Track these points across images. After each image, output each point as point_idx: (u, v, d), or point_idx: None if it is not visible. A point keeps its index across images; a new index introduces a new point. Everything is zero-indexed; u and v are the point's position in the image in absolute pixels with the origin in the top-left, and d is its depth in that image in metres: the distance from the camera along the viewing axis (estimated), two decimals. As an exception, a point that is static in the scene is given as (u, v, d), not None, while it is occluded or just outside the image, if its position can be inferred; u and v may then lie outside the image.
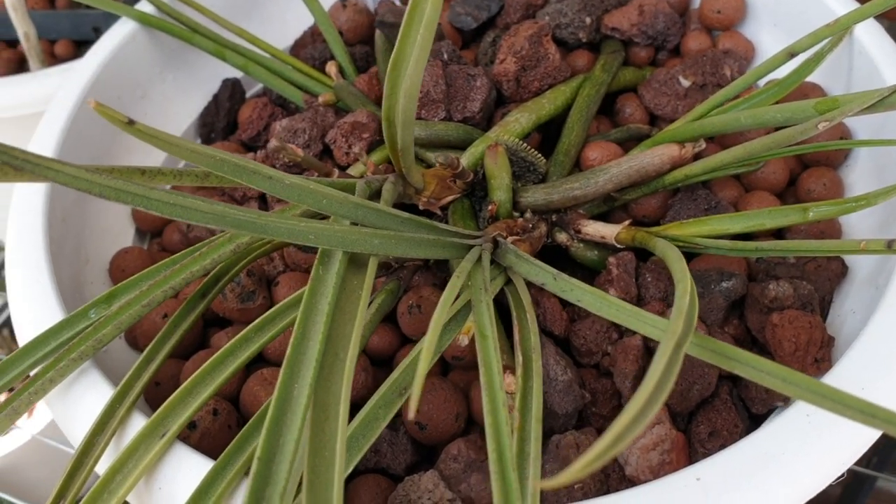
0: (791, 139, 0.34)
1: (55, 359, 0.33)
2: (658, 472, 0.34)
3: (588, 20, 0.49)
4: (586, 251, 0.42)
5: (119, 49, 0.47)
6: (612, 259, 0.41)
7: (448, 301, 0.27)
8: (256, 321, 0.33)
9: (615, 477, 0.35)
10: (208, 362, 0.32)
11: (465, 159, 0.42)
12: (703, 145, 0.41)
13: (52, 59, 0.67)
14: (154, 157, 0.50)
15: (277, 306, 0.34)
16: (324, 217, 0.37)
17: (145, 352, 0.34)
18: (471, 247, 0.36)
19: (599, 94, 0.46)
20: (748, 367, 0.25)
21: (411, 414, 0.20)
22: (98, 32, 0.66)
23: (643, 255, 0.42)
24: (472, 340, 0.32)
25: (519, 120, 0.44)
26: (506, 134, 0.43)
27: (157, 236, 0.48)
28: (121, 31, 0.48)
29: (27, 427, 1.21)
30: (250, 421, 0.31)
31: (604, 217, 0.44)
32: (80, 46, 0.68)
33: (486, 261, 0.34)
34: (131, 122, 0.24)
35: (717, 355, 0.26)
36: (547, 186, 0.42)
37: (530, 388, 0.31)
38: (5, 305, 1.18)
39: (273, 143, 0.37)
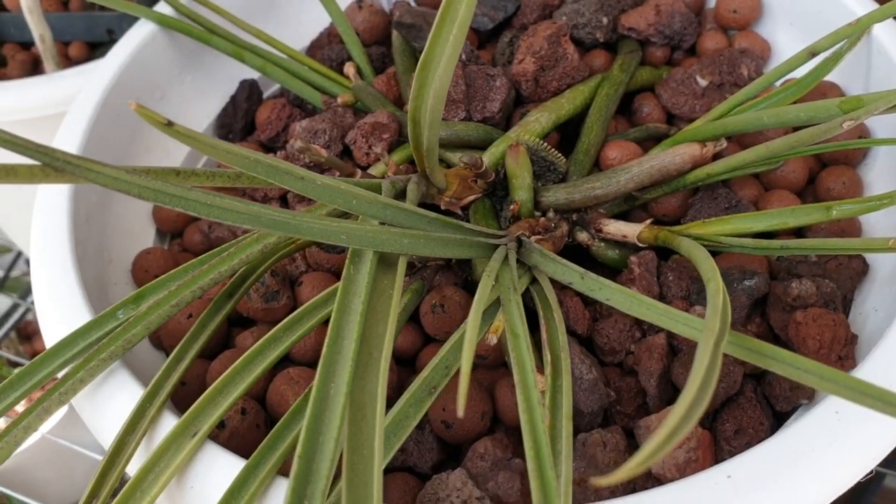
0: (815, 138, 0.34)
1: (85, 359, 0.33)
2: (684, 469, 0.34)
3: (605, 20, 0.49)
4: (607, 250, 0.42)
5: (139, 51, 0.47)
6: (633, 258, 0.41)
7: (482, 300, 0.27)
8: (285, 321, 0.33)
9: (641, 475, 0.36)
10: (238, 362, 0.32)
11: (486, 159, 0.42)
12: (724, 144, 0.41)
13: (67, 61, 0.67)
14: (173, 158, 0.50)
15: (305, 306, 0.34)
16: (348, 216, 0.37)
17: (174, 352, 0.34)
18: (496, 246, 0.36)
19: (618, 94, 0.47)
20: (785, 365, 0.25)
21: (460, 412, 0.20)
22: (112, 34, 0.66)
23: (663, 253, 0.42)
24: (497, 339, 0.33)
25: (539, 120, 0.44)
26: (526, 134, 0.43)
27: (177, 237, 0.48)
28: (140, 33, 0.48)
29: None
30: (281, 419, 0.31)
31: (623, 216, 0.44)
32: (94, 48, 0.68)
33: (513, 260, 0.34)
34: (170, 124, 0.24)
35: (753, 353, 0.26)
36: (568, 186, 0.42)
37: (559, 386, 0.31)
38: (13, 308, 1.18)
39: (298, 143, 0.37)
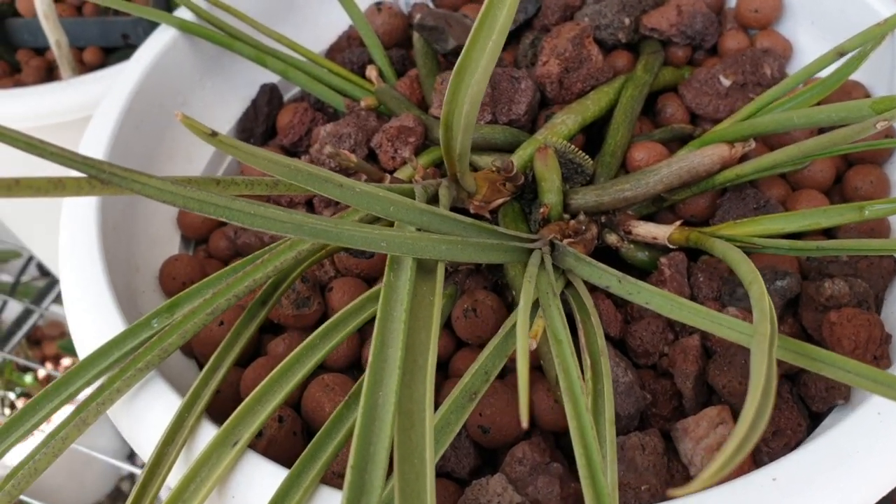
0: (849, 138, 0.34)
1: (121, 369, 0.33)
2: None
3: (627, 21, 0.49)
4: (636, 252, 0.42)
5: (161, 56, 0.47)
6: (663, 260, 0.41)
7: (528, 305, 0.27)
8: (321, 328, 0.33)
9: (679, 477, 0.36)
10: (276, 370, 0.32)
11: (515, 162, 0.42)
12: (753, 145, 0.41)
13: (81, 66, 0.67)
14: (195, 164, 0.50)
15: (340, 313, 0.34)
16: (378, 221, 0.37)
17: (210, 360, 0.34)
18: (530, 250, 0.36)
19: (643, 95, 0.46)
20: (834, 368, 0.25)
21: (524, 422, 0.20)
22: (127, 39, 0.66)
23: (691, 254, 0.42)
24: (537, 344, 0.33)
25: (565, 122, 0.44)
26: (553, 136, 0.43)
27: (202, 243, 0.48)
28: (161, 39, 0.48)
29: (48, 430, 1.22)
30: (322, 428, 0.31)
31: (650, 218, 0.44)
32: (108, 53, 0.68)
33: (549, 264, 0.34)
34: (214, 134, 0.24)
35: (801, 356, 0.26)
36: (597, 188, 0.42)
37: (601, 390, 0.31)
38: (25, 313, 1.18)
39: (328, 148, 0.37)
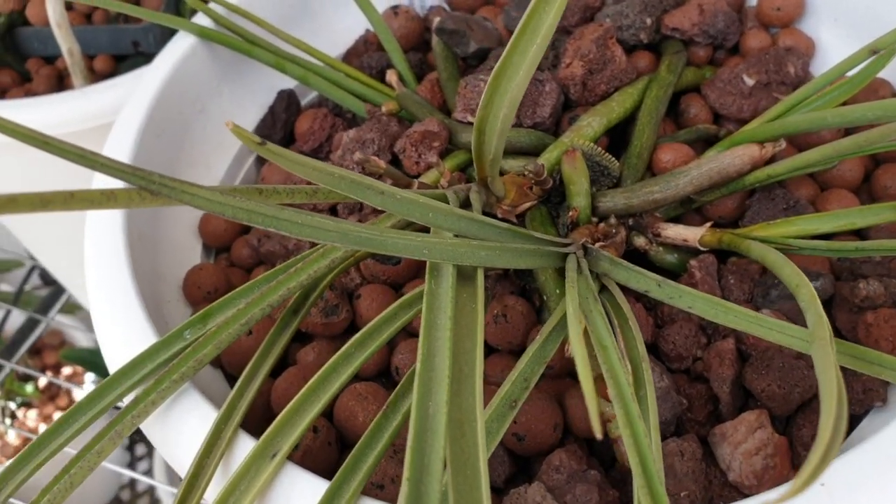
0: (886, 137, 0.34)
1: (156, 381, 0.32)
2: (762, 476, 0.34)
3: (649, 21, 0.49)
4: (665, 255, 0.42)
5: (181, 63, 0.47)
6: (693, 262, 0.40)
7: (577, 311, 0.26)
8: (356, 337, 0.33)
9: (717, 483, 0.35)
10: (313, 379, 0.31)
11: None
12: (783, 145, 0.41)
13: (92, 74, 0.66)
14: (214, 172, 0.50)
15: (375, 321, 0.34)
16: (407, 227, 0.36)
17: (245, 371, 0.34)
18: (565, 255, 0.36)
19: (667, 96, 0.46)
20: (892, 371, 0.24)
21: (598, 434, 0.20)
22: (138, 47, 0.66)
23: (719, 256, 0.41)
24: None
25: (591, 124, 0.43)
26: (579, 138, 0.43)
27: (223, 251, 0.48)
28: (180, 46, 0.47)
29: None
30: (362, 438, 0.30)
31: (677, 220, 0.44)
32: (119, 61, 0.67)
33: (586, 269, 0.34)
34: (263, 143, 0.23)
35: (860, 361, 0.25)
36: (626, 190, 0.41)
37: (643, 397, 0.30)
38: (28, 322, 1.17)
39: (357, 154, 0.36)
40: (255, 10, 0.50)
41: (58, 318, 1.17)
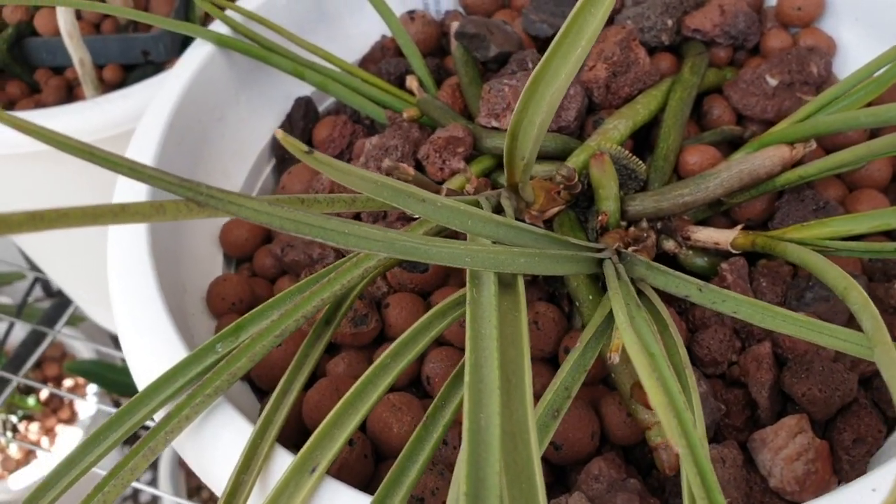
0: (923, 136, 0.34)
1: (189, 395, 0.32)
2: (804, 482, 0.34)
3: (670, 22, 0.48)
4: (695, 258, 0.41)
5: (200, 72, 0.46)
6: (724, 265, 0.40)
7: (627, 319, 0.26)
8: (392, 347, 0.32)
9: (758, 489, 0.35)
10: (350, 392, 0.31)
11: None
12: (814, 145, 0.40)
13: (101, 84, 0.66)
14: (233, 181, 0.49)
15: (409, 331, 0.33)
16: (439, 234, 0.36)
17: (280, 384, 0.33)
18: (599, 261, 0.35)
19: (691, 97, 0.46)
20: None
21: (678, 449, 0.19)
22: (147, 55, 0.65)
23: (748, 258, 0.41)
24: (619, 358, 0.32)
25: (617, 127, 0.43)
26: (606, 142, 0.42)
27: (244, 261, 0.47)
28: (199, 54, 0.47)
29: (55, 452, 1.20)
30: (403, 452, 0.30)
31: (705, 222, 0.43)
32: (128, 70, 0.67)
33: (625, 274, 0.33)
34: (310, 152, 0.23)
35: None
36: (655, 194, 0.41)
37: (689, 404, 0.30)
38: (32, 334, 1.16)
39: (387, 162, 0.36)
40: (271, 17, 0.50)
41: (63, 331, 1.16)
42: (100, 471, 0.33)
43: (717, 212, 0.43)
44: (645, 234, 0.40)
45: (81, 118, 0.55)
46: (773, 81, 0.47)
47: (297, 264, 0.43)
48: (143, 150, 0.42)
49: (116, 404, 1.22)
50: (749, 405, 0.37)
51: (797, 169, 0.40)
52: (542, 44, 0.52)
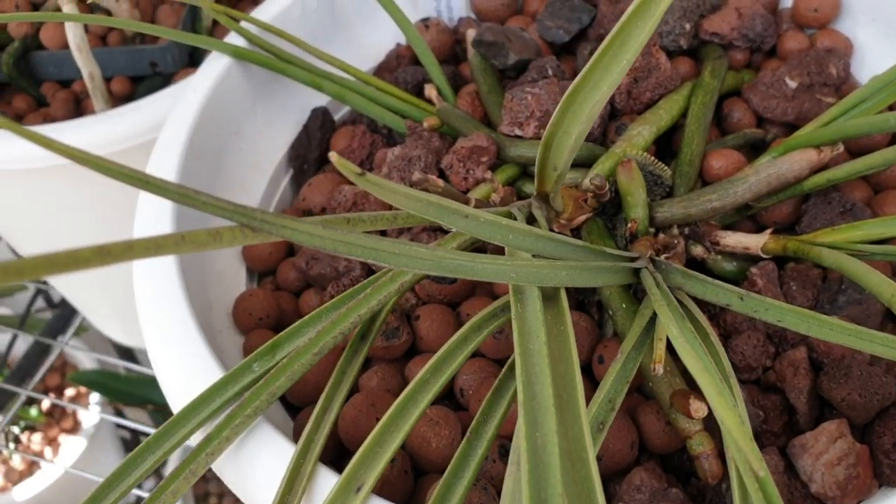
0: (956, 138, 0.34)
1: (228, 416, 0.31)
2: (845, 487, 0.33)
3: (688, 26, 0.48)
4: (724, 263, 0.41)
5: (217, 85, 0.46)
6: (754, 270, 0.40)
7: (681, 333, 0.26)
8: (431, 362, 0.32)
9: (799, 495, 0.35)
10: (393, 408, 0.31)
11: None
12: (841, 148, 0.40)
13: (109, 96, 0.65)
14: (252, 195, 0.49)
15: (447, 346, 0.33)
16: (471, 247, 0.36)
17: (320, 402, 0.33)
18: (634, 270, 0.35)
19: (713, 101, 0.46)
20: None
21: (759, 471, 0.19)
22: (155, 67, 0.65)
23: (776, 262, 0.41)
24: (663, 369, 0.31)
25: (641, 133, 0.43)
26: (631, 148, 0.42)
27: (266, 275, 0.47)
28: (216, 67, 0.46)
29: (59, 462, 1.19)
30: (448, 469, 0.29)
31: (731, 227, 0.43)
32: (136, 82, 0.66)
33: (663, 283, 0.33)
34: (363, 174, 0.23)
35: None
36: (683, 200, 0.41)
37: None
38: (35, 346, 1.16)
39: (417, 174, 0.35)
40: (286, 28, 0.50)
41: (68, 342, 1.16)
42: (143, 493, 0.33)
43: (744, 216, 0.43)
44: (675, 241, 0.39)
45: (94, 132, 0.55)
46: (792, 83, 0.47)
47: (323, 277, 0.43)
48: (164, 166, 0.41)
49: (119, 413, 1.21)
50: (786, 410, 0.36)
51: (825, 172, 0.40)
52: (558, 50, 0.52)
